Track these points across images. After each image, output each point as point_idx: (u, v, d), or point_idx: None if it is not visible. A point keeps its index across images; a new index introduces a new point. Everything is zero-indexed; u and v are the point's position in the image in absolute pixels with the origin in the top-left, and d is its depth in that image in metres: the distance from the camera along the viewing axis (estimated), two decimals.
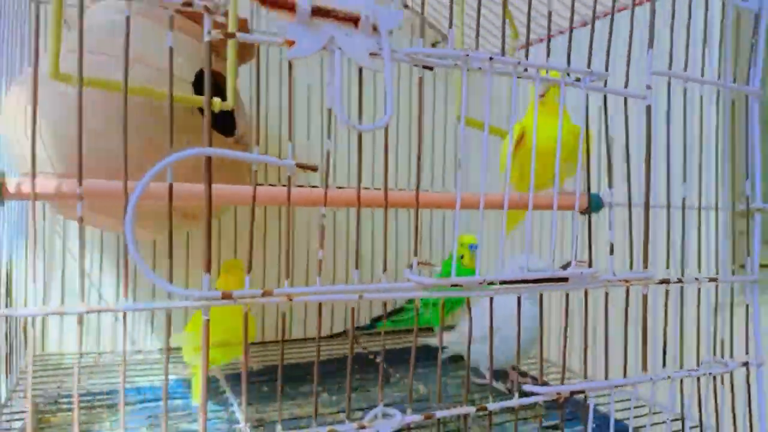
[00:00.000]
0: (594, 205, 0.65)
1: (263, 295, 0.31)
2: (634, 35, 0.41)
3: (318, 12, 0.30)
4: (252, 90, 0.72)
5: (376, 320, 0.79)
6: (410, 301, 0.75)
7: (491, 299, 0.37)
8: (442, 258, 0.85)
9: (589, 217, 0.42)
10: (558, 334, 0.76)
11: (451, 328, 0.73)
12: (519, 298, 0.39)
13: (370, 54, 0.32)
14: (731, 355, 0.48)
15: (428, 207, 0.42)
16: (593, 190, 0.65)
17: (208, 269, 0.30)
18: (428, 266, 0.35)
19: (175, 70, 0.52)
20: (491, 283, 0.36)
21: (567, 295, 0.43)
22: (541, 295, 0.44)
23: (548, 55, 0.40)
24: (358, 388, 0.66)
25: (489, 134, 0.37)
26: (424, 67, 0.34)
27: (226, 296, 0.30)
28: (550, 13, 0.38)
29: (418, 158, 0.35)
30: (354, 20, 0.31)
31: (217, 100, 0.51)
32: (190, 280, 0.72)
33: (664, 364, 0.45)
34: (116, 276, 0.71)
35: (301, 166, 0.31)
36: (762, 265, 0.49)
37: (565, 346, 0.42)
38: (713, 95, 0.61)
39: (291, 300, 0.31)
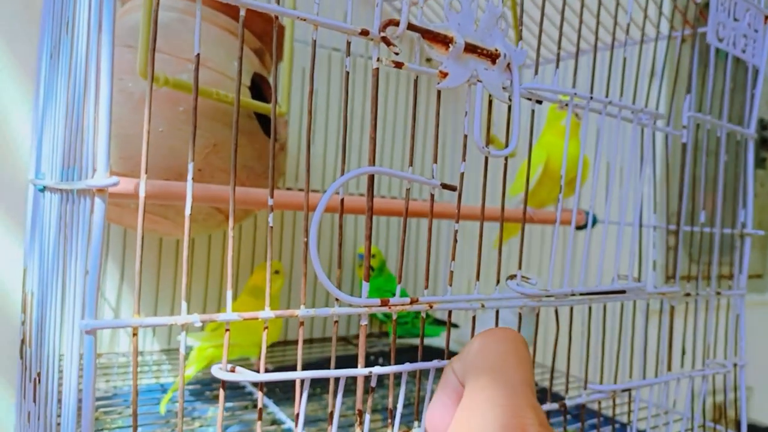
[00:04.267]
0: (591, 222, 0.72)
1: (411, 303, 0.33)
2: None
3: (467, 48, 0.34)
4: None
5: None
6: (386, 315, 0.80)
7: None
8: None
9: (640, 235, 0.48)
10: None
11: (455, 326, 0.77)
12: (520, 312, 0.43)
13: (503, 88, 0.36)
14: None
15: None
16: (593, 209, 0.72)
17: (368, 278, 0.32)
18: (526, 279, 0.39)
19: (233, 74, 0.53)
20: (573, 295, 0.41)
21: (590, 308, 0.49)
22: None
23: (592, 84, 0.45)
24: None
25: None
26: (537, 101, 0.38)
27: (384, 303, 0.32)
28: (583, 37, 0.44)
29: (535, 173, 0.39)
30: (492, 57, 0.35)
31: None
32: (210, 280, 0.72)
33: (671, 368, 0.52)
34: (119, 278, 0.69)
35: (445, 186, 0.34)
36: (684, 277, 0.57)
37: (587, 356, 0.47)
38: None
39: (431, 307, 0.34)
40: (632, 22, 0.53)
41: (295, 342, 0.82)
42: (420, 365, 0.34)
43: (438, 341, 0.75)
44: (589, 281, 0.45)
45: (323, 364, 0.72)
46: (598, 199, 0.76)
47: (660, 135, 0.51)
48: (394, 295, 0.80)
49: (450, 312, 0.36)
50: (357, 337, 0.85)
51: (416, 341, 0.78)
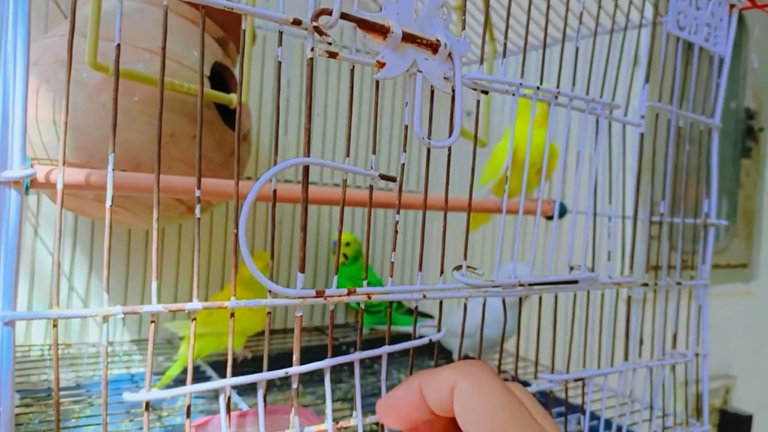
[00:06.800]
0: (560, 212, 0.72)
1: (348, 294, 0.33)
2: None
3: (406, 38, 0.33)
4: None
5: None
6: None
7: (465, 305, 0.40)
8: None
9: (594, 225, 0.48)
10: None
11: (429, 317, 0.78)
12: (504, 300, 0.43)
13: (444, 78, 0.35)
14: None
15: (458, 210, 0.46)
16: (562, 198, 0.72)
17: (303, 269, 0.32)
18: (472, 270, 0.39)
19: (191, 64, 0.52)
20: (521, 285, 0.41)
21: (555, 297, 0.49)
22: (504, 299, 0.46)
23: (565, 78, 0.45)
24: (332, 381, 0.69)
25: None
26: (482, 91, 0.38)
27: (320, 294, 0.32)
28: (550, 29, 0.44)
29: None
30: (433, 47, 0.34)
31: (233, 96, 0.52)
32: (181, 271, 0.72)
33: (634, 356, 0.52)
34: (88, 267, 0.69)
35: (384, 177, 0.34)
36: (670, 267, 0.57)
37: (554, 345, 0.47)
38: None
39: (370, 297, 0.34)
40: (615, 10, 0.53)
41: (281, 331, 0.82)
42: (345, 358, 0.34)
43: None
44: (559, 271, 0.45)
45: (315, 350, 0.73)
46: (569, 190, 0.75)
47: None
48: (369, 284, 0.80)
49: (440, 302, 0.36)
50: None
51: (392, 331, 0.78)
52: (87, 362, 0.67)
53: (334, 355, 0.34)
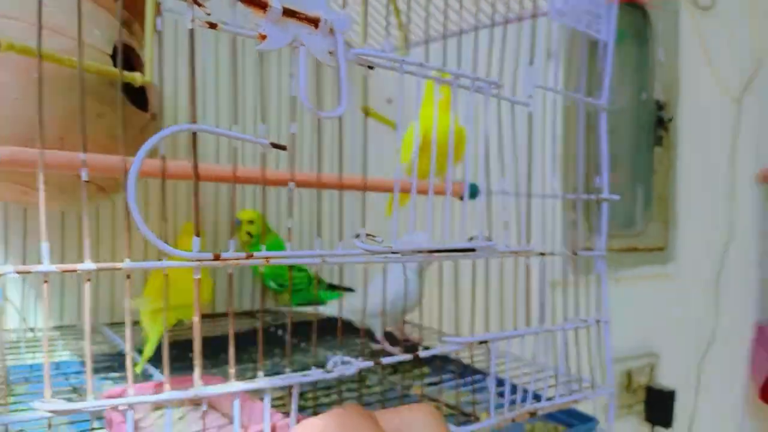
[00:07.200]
0: (471, 192, 0.75)
1: (246, 257, 0.35)
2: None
3: (286, 12, 0.35)
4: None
5: None
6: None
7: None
8: None
9: (489, 198, 0.51)
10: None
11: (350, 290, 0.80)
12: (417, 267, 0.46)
13: (329, 52, 0.37)
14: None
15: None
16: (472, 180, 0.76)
17: (198, 233, 0.33)
18: (371, 237, 0.41)
19: (92, 42, 0.53)
20: (420, 252, 0.44)
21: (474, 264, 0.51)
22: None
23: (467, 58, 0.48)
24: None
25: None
26: (368, 66, 0.40)
27: (216, 257, 0.33)
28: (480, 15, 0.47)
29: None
30: (315, 22, 0.36)
31: (138, 75, 0.53)
32: (102, 251, 0.72)
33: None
34: (21, 258, 0.69)
35: (275, 146, 0.36)
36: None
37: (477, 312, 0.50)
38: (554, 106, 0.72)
39: (268, 261, 0.36)
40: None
41: (220, 315, 0.82)
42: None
43: (332, 309, 0.77)
44: None
45: (245, 334, 0.73)
46: (479, 170, 0.79)
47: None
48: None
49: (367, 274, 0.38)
50: (263, 312, 0.86)
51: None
52: (8, 348, 0.66)
53: (264, 339, 0.34)
